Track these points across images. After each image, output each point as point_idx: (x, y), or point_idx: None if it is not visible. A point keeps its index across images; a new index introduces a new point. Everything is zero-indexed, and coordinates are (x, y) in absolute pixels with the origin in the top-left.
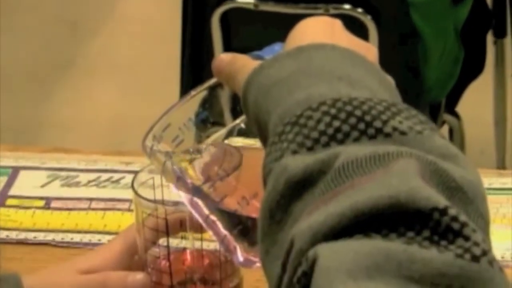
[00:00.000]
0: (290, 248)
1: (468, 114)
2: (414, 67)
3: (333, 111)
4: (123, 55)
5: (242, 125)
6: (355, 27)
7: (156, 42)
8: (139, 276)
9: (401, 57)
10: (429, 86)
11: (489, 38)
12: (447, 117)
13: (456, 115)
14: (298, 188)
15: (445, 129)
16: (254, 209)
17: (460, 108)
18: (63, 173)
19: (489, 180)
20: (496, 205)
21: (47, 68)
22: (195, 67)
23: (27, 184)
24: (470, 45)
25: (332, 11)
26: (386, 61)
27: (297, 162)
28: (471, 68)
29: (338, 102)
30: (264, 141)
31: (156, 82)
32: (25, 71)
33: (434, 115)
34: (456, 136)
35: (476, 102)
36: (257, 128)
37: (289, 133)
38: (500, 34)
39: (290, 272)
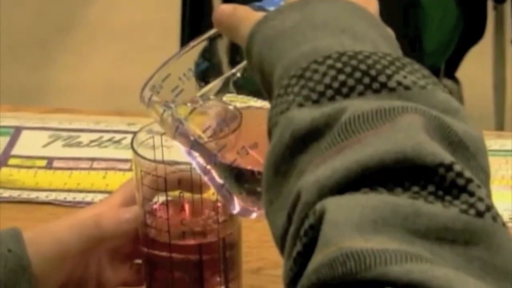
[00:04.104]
0: (297, 200)
1: (467, 79)
2: (414, 34)
3: (338, 65)
4: (123, 19)
5: (238, 74)
6: None
7: (155, 7)
8: (132, 208)
9: (401, 25)
10: (428, 52)
11: (489, 3)
12: (447, 82)
13: (455, 80)
14: (304, 141)
15: None
16: (252, 160)
17: (460, 73)
18: (65, 133)
19: (488, 142)
20: (495, 167)
21: (46, 32)
22: (195, 28)
23: (29, 144)
24: (470, 11)
25: None
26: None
27: (303, 115)
28: (471, 34)
29: (343, 56)
30: (268, 91)
31: (154, 46)
32: (24, 36)
33: None
34: None
35: (476, 67)
36: (260, 79)
37: (295, 86)
38: (500, 0)
39: (297, 224)
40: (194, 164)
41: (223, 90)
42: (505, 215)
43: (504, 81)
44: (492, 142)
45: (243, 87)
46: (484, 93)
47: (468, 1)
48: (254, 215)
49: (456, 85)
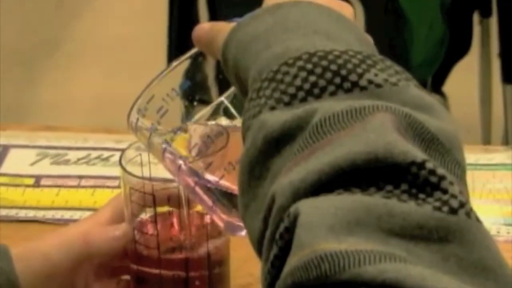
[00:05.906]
0: (272, 204)
1: (454, 93)
2: (400, 48)
3: (309, 66)
4: (109, 34)
5: (226, 103)
6: None
7: (142, 21)
8: (121, 225)
9: (387, 39)
10: (415, 66)
11: (475, 17)
12: (433, 96)
13: (442, 95)
14: (277, 144)
15: None
16: None
17: (446, 87)
18: (53, 151)
19: (475, 156)
20: (482, 180)
21: (31, 48)
22: (181, 45)
23: (17, 162)
24: (456, 25)
25: None
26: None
27: (275, 118)
28: (457, 48)
29: (313, 57)
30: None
31: (142, 61)
32: (9, 52)
33: None
34: None
35: (462, 81)
36: (238, 86)
37: (267, 89)
38: (485, 14)
39: (272, 228)
40: (182, 185)
41: (212, 117)
42: (493, 228)
43: (490, 95)
44: (480, 156)
45: (232, 114)
46: (470, 107)
47: (454, 16)
48: (243, 233)
49: (443, 100)
